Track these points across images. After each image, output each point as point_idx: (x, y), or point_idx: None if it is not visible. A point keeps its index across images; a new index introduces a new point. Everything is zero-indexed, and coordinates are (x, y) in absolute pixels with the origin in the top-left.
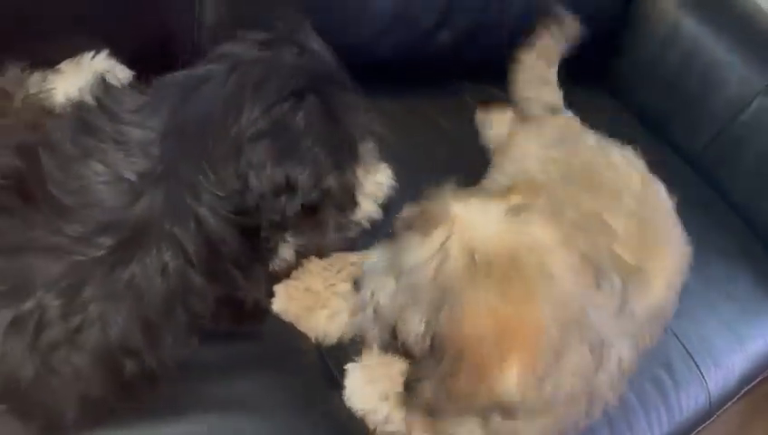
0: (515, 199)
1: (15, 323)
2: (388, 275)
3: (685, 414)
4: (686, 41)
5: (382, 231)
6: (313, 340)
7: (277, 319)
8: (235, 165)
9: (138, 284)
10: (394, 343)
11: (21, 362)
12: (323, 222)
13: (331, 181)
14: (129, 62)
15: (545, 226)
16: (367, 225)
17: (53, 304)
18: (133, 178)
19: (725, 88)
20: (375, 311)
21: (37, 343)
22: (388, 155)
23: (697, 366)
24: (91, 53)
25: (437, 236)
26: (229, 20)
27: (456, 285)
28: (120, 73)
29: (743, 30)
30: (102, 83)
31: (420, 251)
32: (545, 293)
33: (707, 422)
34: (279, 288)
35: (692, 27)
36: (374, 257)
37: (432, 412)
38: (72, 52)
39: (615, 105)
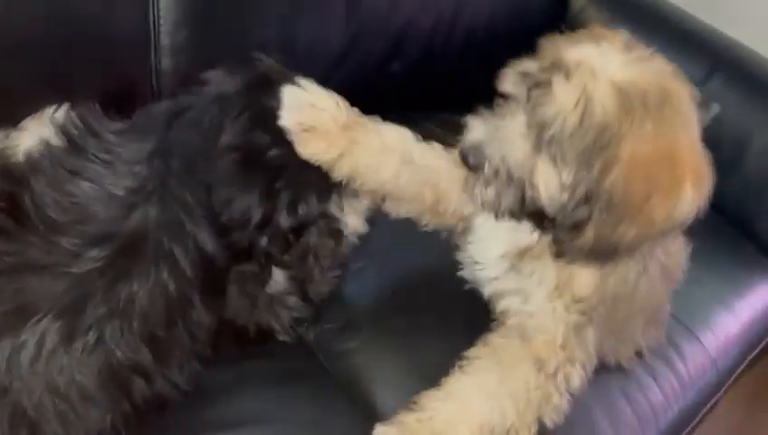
0: (619, 37)
1: (18, 349)
2: (514, 136)
3: (696, 384)
4: None
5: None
6: None
7: None
8: (221, 189)
9: (138, 298)
10: (522, 208)
11: (27, 389)
12: (308, 250)
13: (308, 209)
14: None
15: (660, 58)
16: (355, 240)
17: (55, 325)
18: (122, 193)
19: None
20: (507, 175)
21: (42, 368)
22: None
23: (698, 338)
24: (53, 108)
25: (571, 81)
26: (185, 65)
27: (612, 123)
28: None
29: (671, 30)
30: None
31: (557, 101)
32: (693, 119)
33: (719, 394)
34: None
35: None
36: (478, 129)
37: (594, 258)
38: (33, 108)
39: None
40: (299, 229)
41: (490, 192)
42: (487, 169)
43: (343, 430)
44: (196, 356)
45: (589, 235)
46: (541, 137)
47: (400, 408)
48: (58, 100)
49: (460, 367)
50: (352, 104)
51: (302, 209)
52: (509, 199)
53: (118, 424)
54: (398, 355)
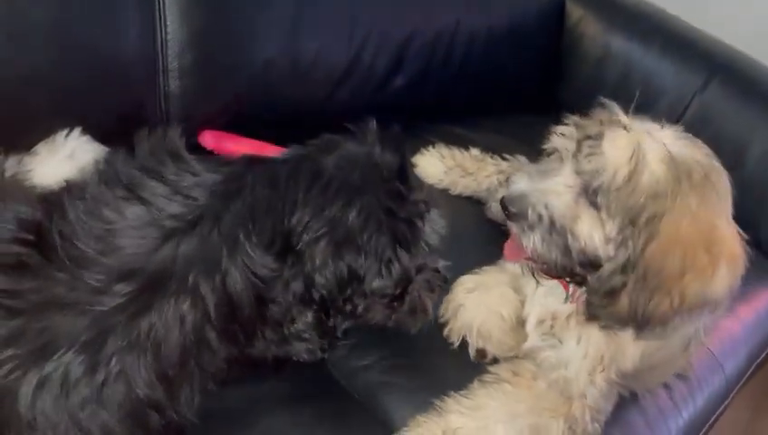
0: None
1: (42, 384)
2: (558, 185)
3: (704, 389)
4: (619, 59)
5: None
6: None
7: None
8: (278, 246)
9: (156, 334)
10: (570, 261)
11: (51, 424)
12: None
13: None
14: (102, 135)
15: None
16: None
17: (77, 360)
18: (165, 220)
19: (665, 94)
20: (549, 222)
21: (65, 402)
22: None
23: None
24: (65, 132)
25: (624, 143)
26: (193, 87)
27: (660, 188)
28: (94, 149)
29: (668, 38)
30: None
31: (610, 152)
32: (729, 199)
33: (728, 399)
34: None
35: (622, 45)
36: (521, 181)
37: (627, 325)
38: (45, 133)
39: None
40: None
41: (535, 239)
42: (530, 214)
43: None
44: (208, 385)
45: (623, 302)
46: (588, 187)
47: None
48: (69, 124)
49: (483, 382)
50: (355, 119)
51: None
52: (555, 250)
53: None
54: (413, 371)
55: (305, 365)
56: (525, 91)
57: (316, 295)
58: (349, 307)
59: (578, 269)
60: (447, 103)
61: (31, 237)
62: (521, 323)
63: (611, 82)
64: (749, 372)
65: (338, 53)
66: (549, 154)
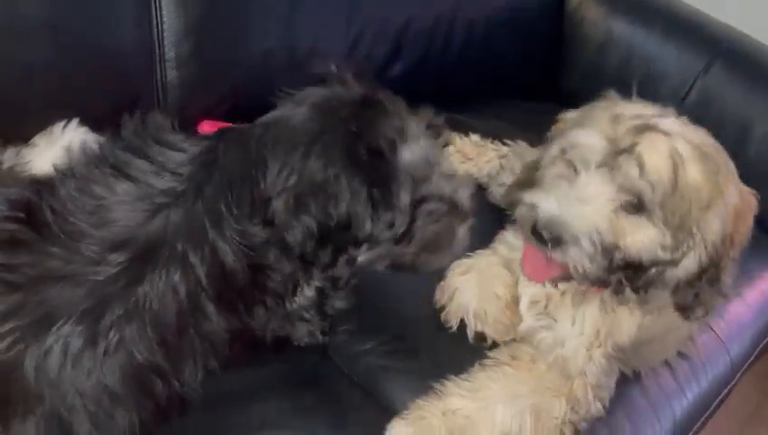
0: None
1: (45, 356)
2: (601, 204)
3: (709, 371)
4: (620, 44)
5: None
6: None
7: None
8: (261, 212)
9: (152, 302)
10: (610, 273)
11: (59, 395)
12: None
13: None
14: (100, 126)
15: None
16: None
17: (77, 330)
18: (156, 194)
19: (668, 78)
20: (600, 243)
21: (69, 372)
22: None
23: (709, 326)
24: (62, 124)
25: (663, 150)
26: (190, 77)
27: (704, 185)
28: (91, 140)
29: (669, 21)
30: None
31: (651, 164)
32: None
33: (733, 382)
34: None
35: (623, 29)
36: (549, 202)
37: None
38: (42, 124)
39: None
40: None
41: (582, 261)
42: (583, 243)
43: (363, 430)
44: (211, 361)
45: (708, 293)
46: (634, 201)
47: None
48: (67, 116)
49: (483, 366)
50: None
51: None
52: (601, 266)
53: (146, 422)
54: (413, 355)
55: (305, 350)
56: (526, 77)
57: (296, 253)
58: (345, 257)
59: (621, 277)
60: (447, 90)
61: (22, 215)
62: (516, 302)
63: (613, 67)
64: (755, 354)
65: (335, 42)
66: (551, 140)
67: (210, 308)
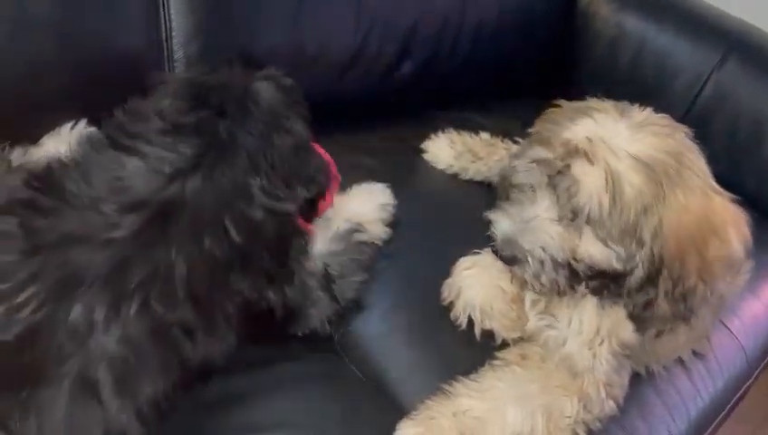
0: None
1: (72, 321)
2: (546, 225)
3: (725, 371)
4: (632, 39)
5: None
6: None
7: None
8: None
9: (174, 262)
10: (578, 279)
11: (88, 359)
12: None
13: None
14: None
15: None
16: (380, 243)
17: (101, 293)
18: (167, 169)
19: (681, 73)
20: (551, 261)
21: (98, 336)
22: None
23: (724, 324)
24: (70, 124)
25: (594, 170)
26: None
27: (645, 197)
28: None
29: (682, 16)
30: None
31: (586, 186)
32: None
33: (749, 381)
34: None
35: (635, 25)
36: (503, 223)
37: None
38: (51, 125)
39: None
40: None
41: (539, 275)
42: (531, 261)
43: (373, 428)
44: (233, 326)
45: (663, 307)
46: (577, 220)
47: None
48: (75, 116)
49: (493, 366)
50: (364, 107)
51: None
52: (561, 275)
53: (171, 387)
54: (423, 354)
55: (315, 349)
56: (536, 75)
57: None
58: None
59: (590, 282)
60: (457, 89)
61: (38, 184)
62: (522, 296)
63: (625, 63)
64: None
65: (344, 40)
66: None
67: (237, 265)
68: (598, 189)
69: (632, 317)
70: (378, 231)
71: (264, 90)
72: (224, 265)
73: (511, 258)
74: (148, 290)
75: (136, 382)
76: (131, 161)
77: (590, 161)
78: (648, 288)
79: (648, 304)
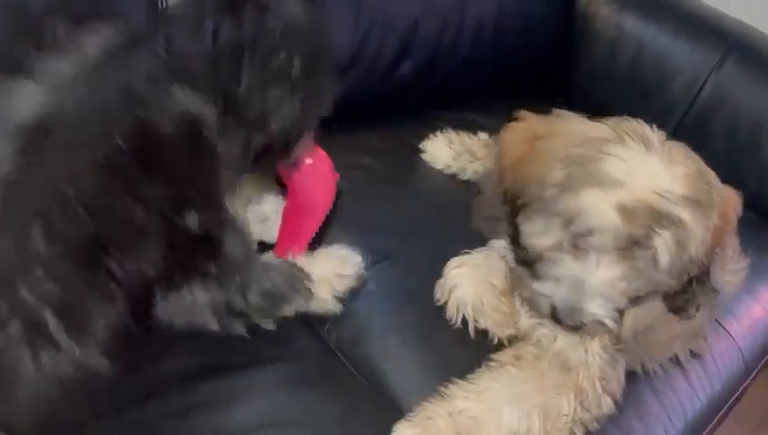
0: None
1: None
2: (615, 283)
3: (723, 373)
4: (632, 40)
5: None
6: None
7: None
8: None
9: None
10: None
11: (26, 306)
12: None
13: None
14: None
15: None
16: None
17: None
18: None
19: (680, 74)
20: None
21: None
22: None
23: (722, 325)
24: None
25: (666, 235)
26: None
27: (699, 236)
28: None
29: (681, 17)
30: None
31: (662, 254)
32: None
33: (746, 382)
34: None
35: (635, 26)
36: (561, 291)
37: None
38: None
39: (582, 111)
40: None
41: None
42: (605, 322)
43: (370, 427)
44: (153, 237)
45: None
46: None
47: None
48: None
49: (488, 367)
50: (364, 107)
51: None
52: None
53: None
54: (419, 352)
55: (313, 349)
56: (536, 74)
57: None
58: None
59: None
60: (457, 89)
61: None
62: (512, 291)
63: (625, 63)
64: None
65: (343, 40)
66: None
67: (135, 171)
68: (671, 250)
69: (671, 310)
70: (323, 295)
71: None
72: (118, 172)
73: (577, 325)
74: (48, 216)
75: (81, 315)
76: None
77: (666, 227)
78: (688, 287)
79: (689, 297)
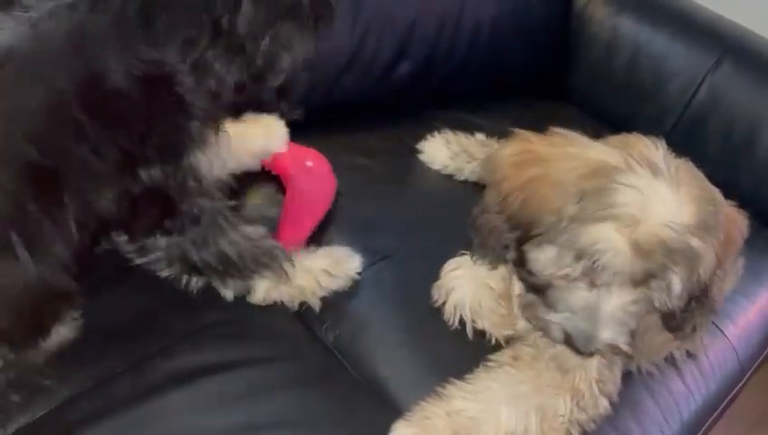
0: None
1: None
2: (629, 307)
3: (718, 374)
4: (628, 42)
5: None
6: None
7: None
8: None
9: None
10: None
11: None
12: None
13: None
14: None
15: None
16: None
17: None
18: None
19: (676, 76)
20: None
21: None
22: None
23: (718, 327)
24: None
25: (682, 271)
26: None
27: (708, 258)
28: None
29: (677, 19)
30: None
31: (677, 286)
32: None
33: (741, 383)
34: None
35: (631, 28)
36: (576, 321)
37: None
38: None
39: (579, 113)
40: None
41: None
42: (620, 346)
43: (368, 427)
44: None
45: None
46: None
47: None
48: None
49: (486, 368)
50: (361, 108)
51: None
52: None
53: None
54: (417, 352)
55: (312, 349)
56: (533, 77)
57: None
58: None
59: None
60: (454, 89)
61: None
62: (510, 293)
63: (621, 65)
64: (764, 355)
65: (341, 41)
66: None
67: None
68: (684, 279)
69: (668, 329)
70: (303, 283)
71: None
72: (67, 119)
73: (593, 352)
74: None
75: (38, 235)
76: None
77: (679, 263)
78: (688, 306)
79: (687, 316)
